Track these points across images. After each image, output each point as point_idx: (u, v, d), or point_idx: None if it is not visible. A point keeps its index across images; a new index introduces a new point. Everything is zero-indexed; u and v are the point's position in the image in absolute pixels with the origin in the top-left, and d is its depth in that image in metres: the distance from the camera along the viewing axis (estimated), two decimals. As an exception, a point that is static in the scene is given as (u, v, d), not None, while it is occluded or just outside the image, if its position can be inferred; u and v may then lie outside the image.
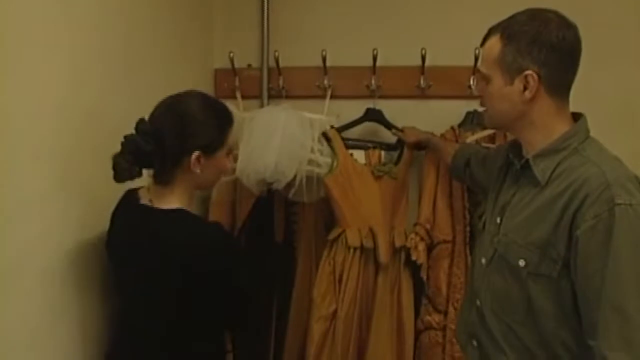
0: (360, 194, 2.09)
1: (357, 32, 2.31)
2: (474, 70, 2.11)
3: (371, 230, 2.08)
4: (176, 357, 1.41)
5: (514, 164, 1.39)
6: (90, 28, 1.47)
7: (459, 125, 2.18)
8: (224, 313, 1.47)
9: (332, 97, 2.26)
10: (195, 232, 1.37)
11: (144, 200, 1.43)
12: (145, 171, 1.41)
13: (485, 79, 1.33)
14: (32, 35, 1.24)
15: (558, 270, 1.21)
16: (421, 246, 2.07)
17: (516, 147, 1.41)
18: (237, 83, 2.33)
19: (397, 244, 2.10)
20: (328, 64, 2.23)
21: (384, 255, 2.07)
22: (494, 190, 1.48)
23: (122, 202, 1.48)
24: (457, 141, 2.12)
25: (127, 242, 1.42)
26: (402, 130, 2.17)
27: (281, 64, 2.28)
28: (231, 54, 2.27)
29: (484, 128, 2.08)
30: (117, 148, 1.34)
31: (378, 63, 2.20)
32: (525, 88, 1.26)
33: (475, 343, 1.42)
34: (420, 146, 2.16)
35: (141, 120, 1.36)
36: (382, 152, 2.19)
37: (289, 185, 2.05)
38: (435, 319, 2.07)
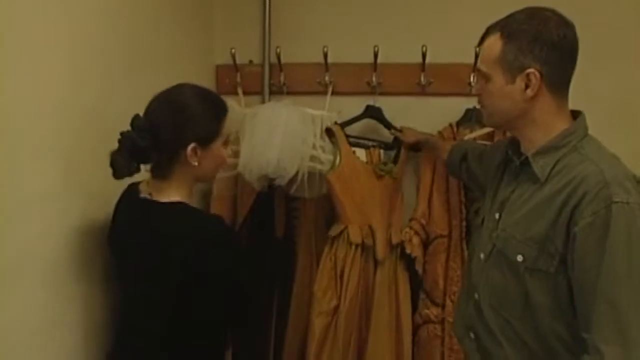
0: (362, 191, 2.09)
1: (358, 29, 2.29)
2: (474, 67, 2.08)
3: (370, 227, 2.08)
4: (176, 356, 1.40)
5: (513, 161, 1.38)
6: (90, 26, 1.45)
7: (458, 123, 2.17)
8: (224, 312, 1.45)
9: (333, 93, 2.24)
10: (195, 225, 1.35)
11: (144, 193, 1.42)
12: (145, 166, 1.40)
13: (485, 78, 1.32)
14: (32, 35, 1.22)
15: (555, 266, 1.21)
16: (415, 240, 2.08)
17: (515, 144, 1.40)
18: (238, 79, 2.31)
19: (394, 241, 2.10)
20: (329, 60, 2.21)
21: (381, 252, 2.08)
22: (492, 187, 1.47)
23: (124, 196, 1.47)
24: (454, 139, 2.12)
25: (127, 235, 1.41)
26: (400, 131, 2.16)
27: (282, 60, 2.26)
28: (233, 50, 2.25)
29: (483, 126, 2.06)
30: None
31: (379, 60, 2.18)
32: (526, 86, 1.25)
33: (472, 335, 1.42)
34: (417, 147, 2.17)
35: (136, 116, 1.35)
36: (382, 151, 2.19)
37: (291, 181, 2.04)
38: (433, 312, 2.08)
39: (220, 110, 1.43)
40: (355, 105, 2.22)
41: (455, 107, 2.18)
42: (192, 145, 1.35)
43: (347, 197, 2.06)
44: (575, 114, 1.32)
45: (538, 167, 1.27)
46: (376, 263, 2.09)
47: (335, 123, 2.13)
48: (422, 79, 2.23)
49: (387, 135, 2.23)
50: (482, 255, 1.39)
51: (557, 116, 1.29)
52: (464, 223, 2.09)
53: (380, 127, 2.24)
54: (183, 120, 1.35)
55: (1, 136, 1.14)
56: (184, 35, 2.08)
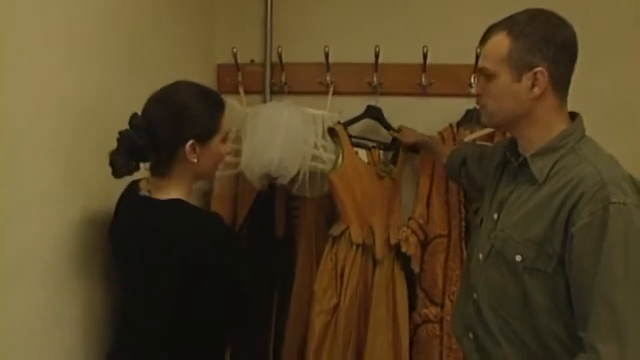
0: (364, 191, 2.09)
1: (360, 29, 2.28)
2: (475, 68, 2.07)
3: (370, 227, 2.08)
4: (176, 356, 1.39)
5: (511, 162, 1.38)
6: (91, 26, 1.43)
7: (458, 123, 2.16)
8: (223, 311, 1.43)
9: (334, 93, 2.24)
10: (193, 222, 1.34)
11: (143, 191, 1.41)
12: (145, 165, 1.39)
13: (490, 76, 1.30)
14: (32, 34, 1.21)
15: (553, 266, 1.21)
16: (412, 239, 2.08)
17: (513, 145, 1.40)
18: (239, 78, 2.30)
19: (392, 241, 2.10)
20: (330, 60, 2.20)
21: (379, 252, 2.08)
22: (491, 187, 1.47)
23: (125, 193, 1.46)
24: (454, 139, 2.11)
25: (127, 234, 1.40)
26: (398, 131, 2.15)
27: (284, 60, 2.25)
28: (234, 50, 2.24)
29: (483, 126, 2.05)
30: (118, 145, 1.32)
31: (380, 60, 2.17)
32: (533, 85, 1.25)
33: (471, 335, 1.42)
34: (416, 148, 2.16)
35: (134, 115, 1.34)
36: (381, 152, 2.19)
37: (293, 180, 2.04)
38: (432, 311, 2.09)
39: (217, 107, 1.41)
40: (356, 106, 2.21)
41: (455, 107, 2.17)
42: (190, 142, 1.34)
43: (348, 197, 2.06)
44: (573, 116, 1.31)
45: (536, 168, 1.27)
46: (375, 263, 2.10)
47: (338, 123, 2.12)
48: (423, 79, 2.22)
49: (386, 135, 2.22)
50: (480, 256, 1.39)
51: (557, 117, 1.29)
52: (463, 223, 2.09)
53: (380, 127, 2.23)
54: (181, 118, 1.34)
55: (1, 136, 1.13)
56: (185, 34, 2.07)
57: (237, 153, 2.06)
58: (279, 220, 2.26)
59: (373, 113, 2.21)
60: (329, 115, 2.13)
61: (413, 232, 2.09)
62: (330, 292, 2.05)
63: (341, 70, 2.25)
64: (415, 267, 2.09)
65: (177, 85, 1.39)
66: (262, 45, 2.33)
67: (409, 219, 2.14)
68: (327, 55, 2.17)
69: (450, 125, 2.15)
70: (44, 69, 1.25)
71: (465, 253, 2.05)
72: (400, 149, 2.17)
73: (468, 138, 2.08)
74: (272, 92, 2.32)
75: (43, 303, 1.29)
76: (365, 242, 2.07)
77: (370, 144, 2.19)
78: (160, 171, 1.38)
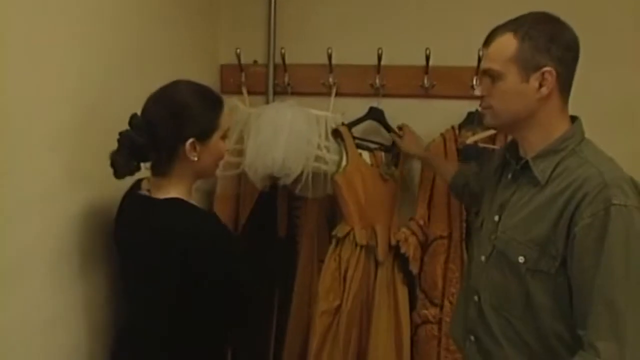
0: (368, 193, 2.08)
1: (363, 31, 2.27)
2: (477, 70, 2.04)
3: (374, 229, 2.08)
4: (176, 356, 1.38)
5: (511, 164, 1.38)
6: (94, 26, 1.42)
7: (460, 125, 2.15)
8: (223, 312, 1.42)
9: (336, 94, 2.23)
10: (192, 222, 1.33)
11: (143, 190, 1.41)
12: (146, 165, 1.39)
13: (497, 77, 1.29)
14: (34, 34, 1.20)
15: (556, 267, 1.20)
16: (412, 240, 2.07)
17: (513, 147, 1.40)
18: (243, 79, 2.30)
19: (393, 242, 2.10)
20: (333, 61, 2.20)
21: (382, 253, 2.08)
22: (491, 190, 1.46)
23: (128, 192, 1.45)
24: (456, 141, 2.11)
25: (127, 232, 1.40)
26: (400, 136, 2.12)
27: (287, 61, 2.25)
28: (238, 50, 2.24)
29: (485, 128, 2.04)
30: (120, 145, 1.32)
31: (382, 62, 2.17)
32: (541, 85, 1.25)
33: (472, 338, 1.41)
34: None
35: (134, 115, 1.34)
36: (383, 154, 2.19)
37: (296, 181, 2.03)
38: (431, 312, 2.09)
39: (216, 104, 1.40)
40: (358, 107, 2.21)
41: (457, 109, 2.16)
42: (190, 140, 1.33)
43: (353, 199, 2.06)
44: (572, 119, 1.31)
45: (538, 171, 1.27)
46: (377, 264, 2.09)
47: (343, 124, 2.11)
48: (425, 81, 2.21)
49: (388, 137, 2.22)
50: (482, 258, 1.38)
51: (559, 119, 1.28)
52: (464, 225, 2.08)
53: (382, 128, 2.23)
54: (180, 116, 1.33)
55: (1, 136, 1.12)
56: (188, 35, 2.06)
57: (240, 153, 2.06)
58: (281, 221, 2.25)
59: (375, 115, 2.20)
60: (332, 116, 2.13)
61: (413, 233, 2.09)
62: (333, 292, 2.05)
63: (344, 72, 2.25)
64: (413, 268, 2.08)
65: (175, 85, 1.39)
66: (265, 46, 2.32)
67: (410, 219, 2.13)
68: (330, 57, 2.17)
69: (452, 127, 2.14)
70: (45, 69, 1.24)
71: (465, 255, 2.05)
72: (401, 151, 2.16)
73: (470, 140, 2.07)
74: (275, 93, 2.31)
75: (43, 303, 1.28)
76: (368, 243, 2.06)
77: (373, 146, 2.19)
78: (160, 170, 1.37)
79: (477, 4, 2.19)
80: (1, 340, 1.15)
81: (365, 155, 2.14)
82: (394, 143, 2.16)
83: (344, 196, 2.04)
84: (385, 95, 2.23)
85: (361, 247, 2.05)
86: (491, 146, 2.05)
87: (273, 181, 2.09)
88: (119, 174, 1.32)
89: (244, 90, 2.28)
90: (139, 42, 1.65)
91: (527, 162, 1.30)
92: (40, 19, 1.21)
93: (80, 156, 1.37)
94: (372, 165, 2.13)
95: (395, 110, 2.21)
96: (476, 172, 1.73)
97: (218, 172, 1.61)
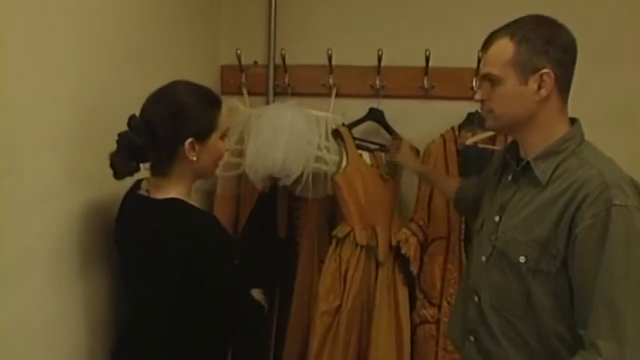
0: (368, 194, 2.08)
1: (363, 32, 2.27)
2: (477, 72, 2.07)
3: (374, 229, 2.07)
4: (176, 356, 1.37)
5: (511, 165, 1.38)
6: (95, 26, 1.42)
7: (460, 126, 2.15)
8: (224, 312, 1.42)
9: (336, 95, 2.23)
10: (191, 222, 1.32)
11: (142, 190, 1.41)
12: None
13: (496, 81, 1.29)
14: (35, 34, 1.19)
15: (557, 267, 1.21)
16: (412, 240, 2.07)
17: (513, 148, 1.41)
18: (243, 80, 2.30)
19: (394, 243, 2.10)
20: (333, 62, 2.20)
21: (382, 253, 2.07)
22: (491, 191, 1.46)
23: (128, 192, 1.45)
24: (456, 142, 2.11)
25: (127, 232, 1.40)
26: (398, 146, 2.10)
27: (287, 62, 2.25)
28: (238, 51, 2.23)
29: (485, 129, 2.03)
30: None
31: (382, 63, 2.18)
32: (539, 87, 1.25)
33: (472, 338, 1.40)
34: (416, 150, 2.16)
35: (132, 116, 1.33)
36: (383, 154, 2.18)
37: (296, 181, 2.03)
38: (429, 312, 2.09)
39: (214, 104, 1.40)
40: (358, 108, 2.21)
41: (457, 110, 2.15)
42: (189, 140, 1.33)
43: (353, 199, 2.06)
44: (572, 121, 1.32)
45: (539, 171, 1.27)
46: (377, 264, 2.09)
47: (343, 125, 2.11)
48: (425, 82, 2.21)
49: (388, 138, 2.21)
50: (483, 258, 1.38)
51: (558, 121, 1.29)
52: (463, 225, 2.08)
53: (382, 129, 2.22)
54: (178, 116, 1.33)
55: (1, 136, 1.11)
56: (189, 36, 2.06)
57: (240, 154, 2.05)
58: (281, 221, 2.24)
59: (375, 116, 2.20)
60: (333, 117, 2.13)
61: (413, 233, 2.09)
62: (334, 293, 2.04)
63: (344, 73, 2.25)
64: (413, 269, 2.08)
65: (174, 85, 1.38)
66: (265, 47, 2.32)
67: (410, 220, 2.14)
68: (330, 58, 2.17)
69: (452, 128, 2.14)
70: (45, 69, 1.23)
71: (464, 256, 2.05)
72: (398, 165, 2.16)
73: (470, 141, 2.07)
74: (275, 94, 2.31)
75: (43, 303, 1.28)
76: (369, 243, 2.06)
77: (373, 147, 2.19)
78: (160, 171, 1.37)
79: (477, 5, 2.19)
80: (1, 340, 1.15)
81: (366, 155, 2.14)
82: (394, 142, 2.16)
83: (344, 196, 2.04)
84: (385, 96, 2.23)
85: (361, 247, 2.05)
86: (491, 147, 2.05)
87: (273, 182, 2.08)
88: (118, 174, 1.31)
89: (244, 91, 2.28)
90: (139, 42, 1.65)
91: (528, 163, 1.30)
92: (40, 19, 1.21)
93: (80, 156, 1.37)
94: (372, 165, 2.13)
95: (395, 111, 2.21)
96: (478, 185, 1.69)
97: (218, 172, 1.61)
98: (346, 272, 2.04)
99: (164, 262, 1.30)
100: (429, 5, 2.24)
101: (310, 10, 2.32)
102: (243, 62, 2.26)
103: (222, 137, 1.42)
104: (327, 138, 2.08)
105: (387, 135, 2.20)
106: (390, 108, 2.21)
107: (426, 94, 2.23)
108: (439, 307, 2.07)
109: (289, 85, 2.29)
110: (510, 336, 1.30)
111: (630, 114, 2.13)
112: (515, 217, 1.30)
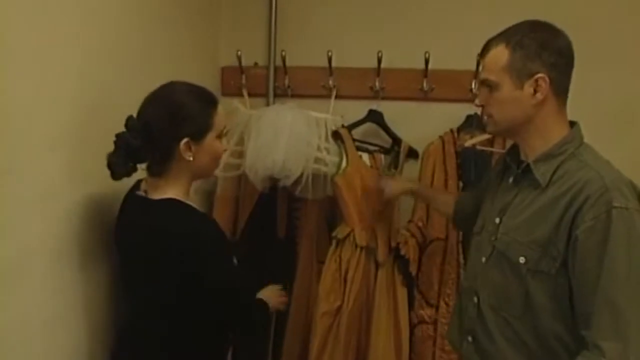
0: (368, 195, 2.07)
1: (363, 34, 2.27)
2: (476, 75, 2.07)
3: (374, 230, 2.07)
4: (176, 356, 1.37)
5: (512, 168, 1.40)
6: (96, 28, 1.41)
7: (459, 128, 2.15)
8: (224, 313, 1.41)
9: (336, 97, 2.23)
10: (186, 222, 1.32)
11: (140, 191, 1.40)
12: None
13: (493, 87, 1.31)
14: (35, 34, 1.18)
15: (556, 268, 1.21)
16: (411, 242, 2.07)
17: (514, 151, 1.42)
18: (243, 81, 2.30)
19: (393, 243, 2.09)
20: (333, 64, 2.20)
21: (382, 254, 2.07)
22: (491, 193, 1.47)
23: (128, 193, 1.44)
24: (455, 144, 2.11)
25: (127, 232, 1.39)
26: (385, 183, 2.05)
27: (287, 63, 2.25)
28: (238, 52, 2.23)
29: (484, 132, 2.01)
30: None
31: (382, 65, 2.18)
32: (535, 91, 1.27)
33: (470, 338, 1.41)
34: (415, 152, 2.17)
35: (129, 117, 1.33)
36: (382, 156, 2.18)
37: (296, 182, 2.03)
38: (427, 312, 2.09)
39: (210, 104, 1.39)
40: (358, 110, 2.21)
41: (456, 113, 2.15)
42: (185, 140, 1.32)
43: (353, 200, 2.06)
44: (571, 124, 1.33)
45: (539, 174, 1.28)
46: (377, 265, 2.08)
47: (343, 126, 2.11)
48: (424, 84, 2.21)
49: (387, 139, 2.21)
50: (483, 259, 1.39)
51: (557, 124, 1.30)
52: (462, 227, 2.08)
53: (381, 131, 2.22)
54: (174, 117, 1.32)
55: (1, 136, 1.10)
56: (189, 37, 2.05)
57: (240, 155, 2.05)
58: (280, 222, 2.24)
59: (375, 117, 2.20)
60: (332, 118, 2.12)
61: (412, 235, 2.08)
62: (334, 293, 2.04)
63: (344, 75, 2.25)
64: (413, 270, 2.07)
65: (170, 86, 1.38)
66: (266, 49, 2.32)
67: (409, 221, 2.13)
68: (330, 60, 2.17)
69: (451, 130, 2.14)
70: (45, 69, 1.22)
71: (462, 257, 2.06)
72: (400, 153, 2.17)
73: (468, 143, 2.07)
74: (275, 95, 2.31)
75: (43, 303, 1.27)
76: (369, 244, 2.06)
77: (372, 148, 2.19)
78: (157, 171, 1.37)
79: (476, 7, 2.19)
80: (1, 340, 1.14)
81: (365, 157, 2.14)
82: (394, 144, 2.16)
83: (344, 197, 2.04)
84: (384, 98, 2.23)
85: (361, 248, 2.04)
86: (489, 149, 2.06)
87: (273, 182, 2.08)
88: (115, 175, 1.31)
89: (245, 93, 2.28)
90: (139, 42, 1.64)
91: (528, 165, 1.31)
92: (40, 19, 1.20)
93: (80, 156, 1.36)
94: (371, 167, 2.13)
95: (395, 113, 2.21)
96: (477, 196, 1.64)
97: (218, 173, 1.60)
98: (346, 272, 2.04)
99: (164, 262, 1.29)
100: (429, 8, 2.24)
101: (310, 11, 2.31)
102: (243, 63, 2.26)
103: (219, 136, 1.41)
104: (327, 139, 2.08)
105: (387, 137, 2.20)
106: (390, 110, 2.21)
107: (425, 96, 2.23)
108: (437, 308, 2.08)
109: (289, 86, 2.29)
110: (508, 336, 1.30)
111: (630, 114, 2.13)
112: (517, 218, 1.31)
